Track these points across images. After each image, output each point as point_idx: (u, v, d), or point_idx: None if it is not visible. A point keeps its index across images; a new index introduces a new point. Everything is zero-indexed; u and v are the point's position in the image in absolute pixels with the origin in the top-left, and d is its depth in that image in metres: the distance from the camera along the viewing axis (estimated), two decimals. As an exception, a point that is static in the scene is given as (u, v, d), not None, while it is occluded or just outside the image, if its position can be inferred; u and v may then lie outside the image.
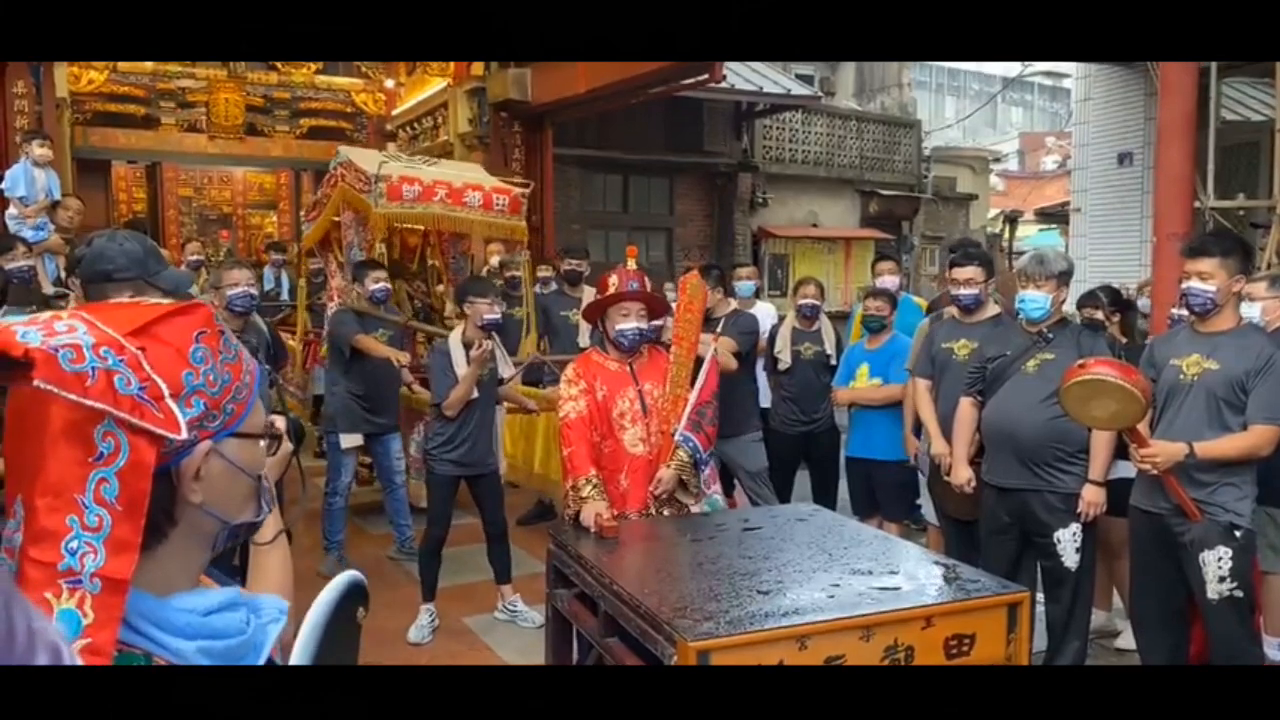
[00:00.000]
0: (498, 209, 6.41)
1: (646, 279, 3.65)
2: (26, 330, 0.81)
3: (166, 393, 0.84)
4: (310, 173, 13.49)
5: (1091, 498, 3.68)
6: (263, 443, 1.01)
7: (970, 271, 4.37)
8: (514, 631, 4.62)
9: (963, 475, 4.04)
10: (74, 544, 0.80)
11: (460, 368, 4.53)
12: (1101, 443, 3.67)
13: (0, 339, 0.80)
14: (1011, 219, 19.84)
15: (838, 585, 2.62)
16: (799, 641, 2.32)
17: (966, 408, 4.04)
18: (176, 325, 0.89)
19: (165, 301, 0.94)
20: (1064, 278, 3.81)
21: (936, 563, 2.89)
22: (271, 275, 9.82)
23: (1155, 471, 3.32)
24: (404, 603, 4.77)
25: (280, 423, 1.50)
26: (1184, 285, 3.45)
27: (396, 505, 5.72)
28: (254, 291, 4.47)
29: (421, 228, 6.68)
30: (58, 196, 6.59)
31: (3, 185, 6.32)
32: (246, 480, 0.97)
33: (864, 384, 5.17)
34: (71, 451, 0.80)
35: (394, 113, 11.93)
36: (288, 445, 1.54)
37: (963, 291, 4.39)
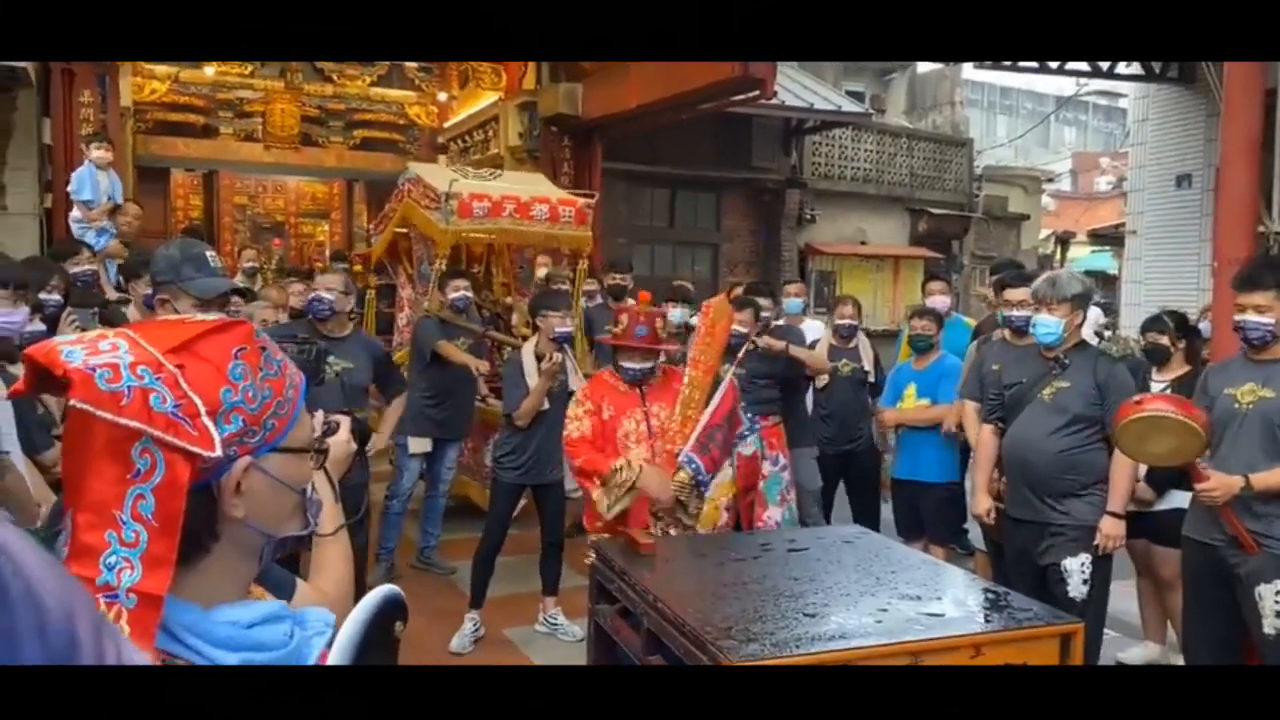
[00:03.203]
0: (564, 220, 6.53)
1: (657, 321, 3.77)
2: (72, 350, 0.83)
3: (203, 410, 0.85)
4: (362, 183, 13.70)
5: (1110, 530, 3.58)
6: (310, 457, 1.01)
7: (1023, 293, 4.30)
8: (554, 645, 4.61)
9: (982, 505, 3.98)
10: (112, 559, 0.81)
11: (532, 378, 4.61)
12: (1122, 474, 3.58)
13: (47, 357, 0.83)
14: (1063, 240, 19.53)
15: (885, 610, 2.58)
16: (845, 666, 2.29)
17: (987, 436, 3.98)
18: (216, 342, 0.89)
19: (199, 315, 0.95)
20: (1079, 300, 3.69)
21: (986, 590, 2.84)
22: None
23: (1216, 504, 3.23)
24: (427, 610, 4.79)
25: (345, 423, 1.56)
26: (1239, 318, 3.33)
27: (431, 513, 5.77)
28: (328, 296, 4.43)
29: (485, 238, 6.76)
30: (120, 199, 6.75)
31: (70, 189, 6.49)
32: (291, 494, 0.97)
33: (911, 404, 5.11)
34: (111, 469, 0.81)
35: (445, 125, 12.07)
36: (353, 445, 1.63)
37: (1015, 313, 4.32)
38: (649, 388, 3.77)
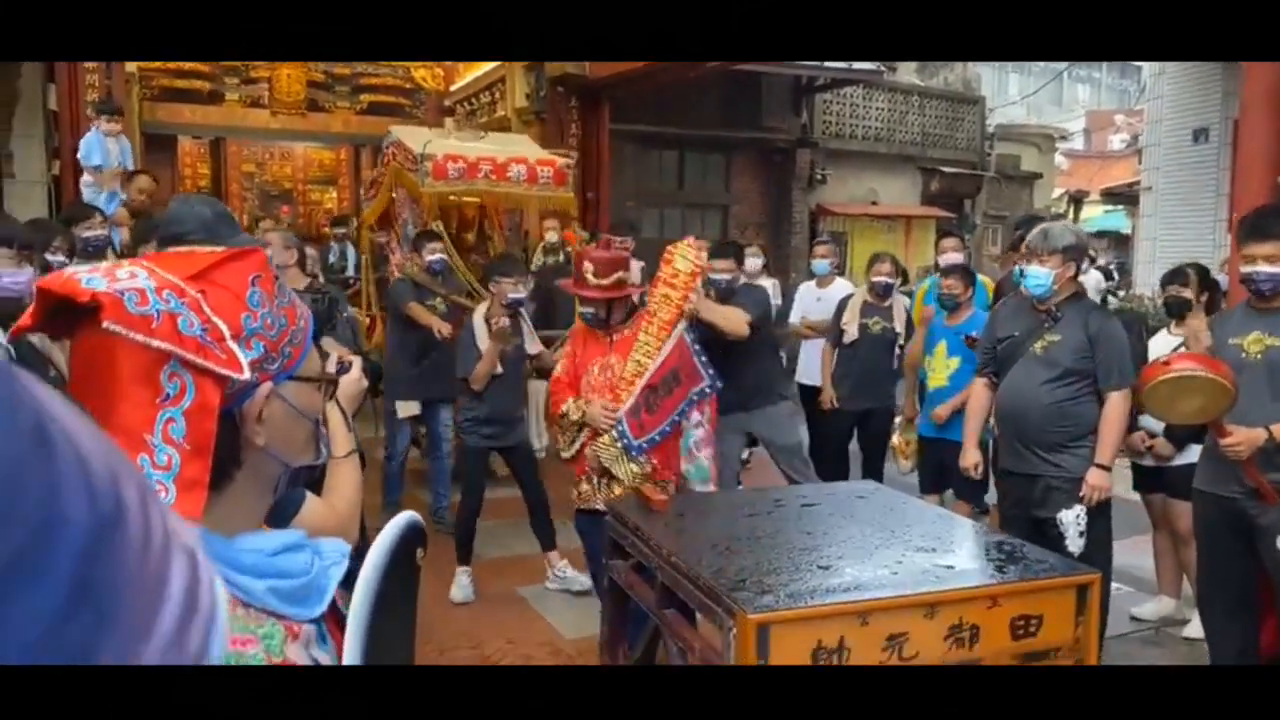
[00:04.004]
0: (543, 181, 6.50)
1: (584, 264, 3.69)
2: (91, 276, 0.82)
3: (228, 334, 0.85)
4: (369, 149, 13.59)
5: (1096, 482, 3.54)
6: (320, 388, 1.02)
7: (1039, 247, 4.25)
8: (568, 602, 4.63)
9: (970, 458, 3.99)
10: None
11: (484, 343, 4.61)
12: (1111, 427, 3.55)
13: (66, 285, 0.81)
14: (1076, 199, 19.35)
15: (900, 562, 2.57)
16: (860, 618, 2.28)
17: (979, 389, 3.96)
18: (232, 270, 0.90)
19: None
20: (1070, 252, 3.63)
21: (1002, 542, 2.82)
22: (336, 249, 9.93)
23: (1241, 459, 3.20)
24: (442, 572, 4.81)
25: (357, 362, 1.69)
26: (1247, 270, 3.27)
27: (437, 473, 5.80)
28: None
29: (460, 200, 6.77)
30: (131, 166, 6.72)
31: (79, 155, 6.46)
32: (306, 423, 0.98)
33: (941, 361, 5.07)
34: (141, 393, 0.81)
35: (452, 88, 11.96)
36: (364, 381, 1.77)
37: (1030, 266, 4.27)
38: (619, 337, 3.70)
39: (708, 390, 3.72)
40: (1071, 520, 3.56)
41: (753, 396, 4.97)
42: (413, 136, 6.60)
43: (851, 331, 5.49)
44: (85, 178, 6.42)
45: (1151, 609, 4.57)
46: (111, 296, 0.80)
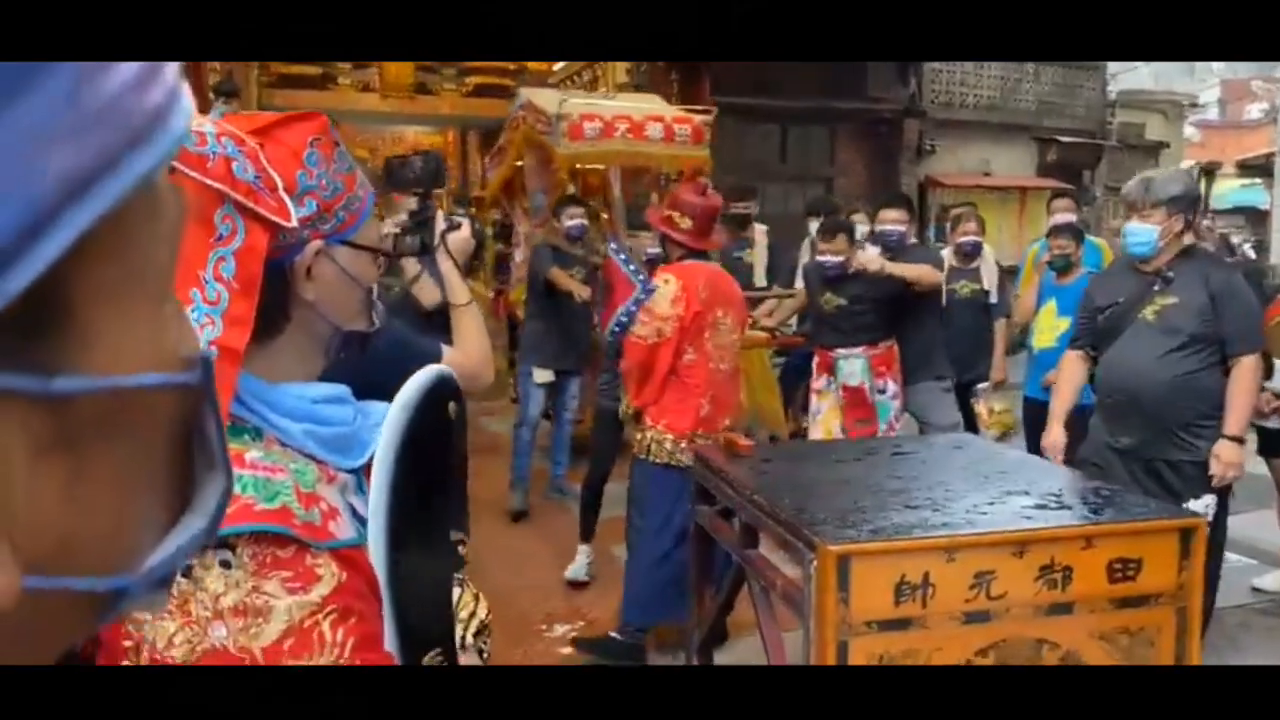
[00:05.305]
0: (680, 140, 6.18)
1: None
2: None
3: (280, 186, 0.90)
4: (477, 131, 13.89)
5: (1229, 457, 3.12)
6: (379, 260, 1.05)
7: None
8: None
9: (1056, 435, 3.54)
10: (195, 314, 0.85)
11: None
12: (1242, 392, 3.16)
13: None
14: (1208, 171, 18.25)
15: (991, 504, 2.49)
16: (946, 554, 2.23)
17: (1073, 363, 3.57)
18: (293, 129, 0.94)
19: None
20: (1177, 203, 3.20)
21: (1100, 488, 2.71)
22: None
23: None
24: (552, 535, 4.87)
25: (466, 222, 1.92)
26: None
27: (559, 442, 5.77)
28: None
29: (602, 166, 6.50)
30: None
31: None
32: (357, 289, 1.01)
33: (1049, 322, 4.85)
34: (195, 231, 0.85)
35: (554, 67, 12.09)
36: (472, 241, 2.08)
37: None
38: None
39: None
40: (1200, 510, 3.13)
41: (915, 369, 4.73)
42: (544, 98, 6.32)
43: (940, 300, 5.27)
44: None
45: (1273, 580, 4.32)
46: None
